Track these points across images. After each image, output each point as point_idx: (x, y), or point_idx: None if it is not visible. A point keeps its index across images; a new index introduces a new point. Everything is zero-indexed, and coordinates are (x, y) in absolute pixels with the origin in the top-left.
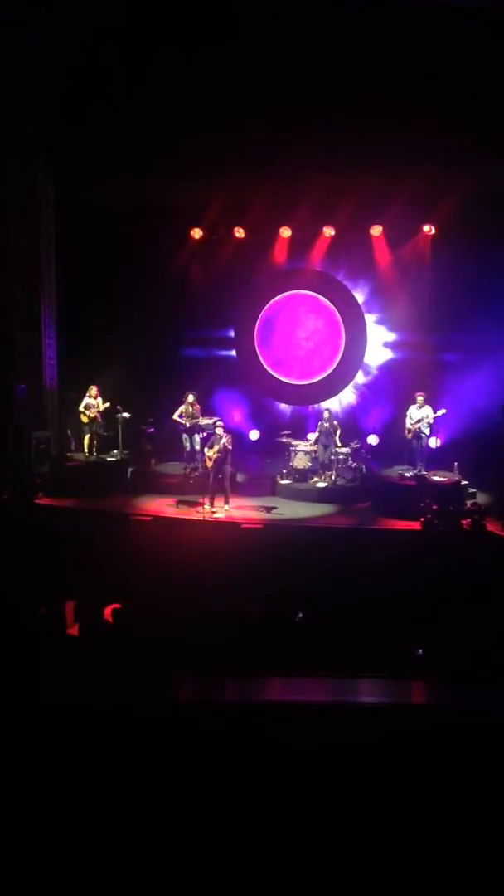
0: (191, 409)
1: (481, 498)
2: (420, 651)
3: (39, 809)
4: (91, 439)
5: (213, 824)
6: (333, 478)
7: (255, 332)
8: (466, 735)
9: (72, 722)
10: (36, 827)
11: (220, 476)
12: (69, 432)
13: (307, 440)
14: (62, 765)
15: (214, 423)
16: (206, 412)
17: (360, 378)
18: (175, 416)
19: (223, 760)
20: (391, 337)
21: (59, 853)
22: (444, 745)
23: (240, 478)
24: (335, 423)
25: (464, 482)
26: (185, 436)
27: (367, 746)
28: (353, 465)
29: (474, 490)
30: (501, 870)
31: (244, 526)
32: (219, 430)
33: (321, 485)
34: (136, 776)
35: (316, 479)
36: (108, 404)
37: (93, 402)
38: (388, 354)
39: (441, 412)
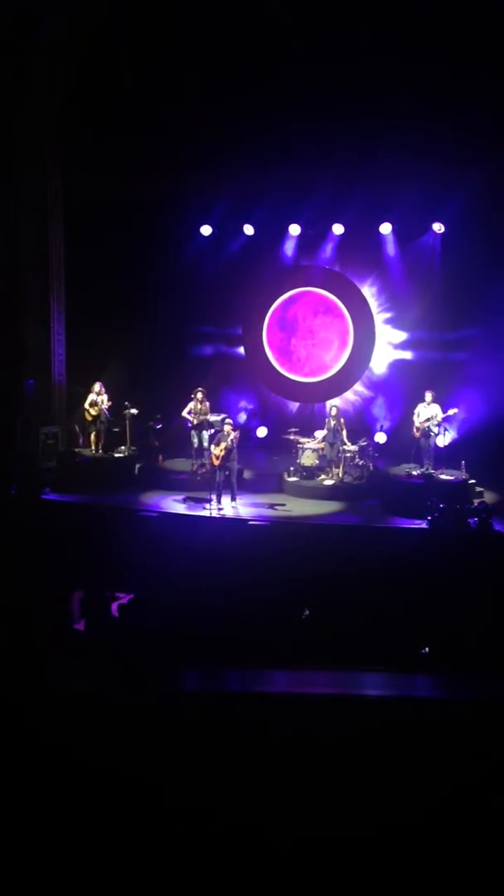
0: (199, 406)
1: (489, 497)
2: (426, 650)
3: (40, 801)
4: (97, 435)
5: (215, 815)
6: (341, 475)
7: (264, 329)
8: (470, 729)
9: (74, 712)
10: (36, 819)
11: (226, 472)
12: (77, 428)
13: (314, 437)
14: (64, 756)
15: (222, 419)
16: (214, 409)
17: (367, 375)
18: (184, 413)
19: (225, 751)
20: (400, 334)
21: (60, 844)
22: (447, 738)
23: (247, 475)
24: (342, 420)
25: (471, 481)
26: (193, 432)
27: (370, 739)
28: (360, 463)
29: (482, 489)
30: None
31: (251, 523)
32: (226, 427)
33: (328, 482)
34: (138, 766)
35: (323, 476)
36: (110, 402)
37: (97, 399)
38: (396, 352)
39: (453, 411)
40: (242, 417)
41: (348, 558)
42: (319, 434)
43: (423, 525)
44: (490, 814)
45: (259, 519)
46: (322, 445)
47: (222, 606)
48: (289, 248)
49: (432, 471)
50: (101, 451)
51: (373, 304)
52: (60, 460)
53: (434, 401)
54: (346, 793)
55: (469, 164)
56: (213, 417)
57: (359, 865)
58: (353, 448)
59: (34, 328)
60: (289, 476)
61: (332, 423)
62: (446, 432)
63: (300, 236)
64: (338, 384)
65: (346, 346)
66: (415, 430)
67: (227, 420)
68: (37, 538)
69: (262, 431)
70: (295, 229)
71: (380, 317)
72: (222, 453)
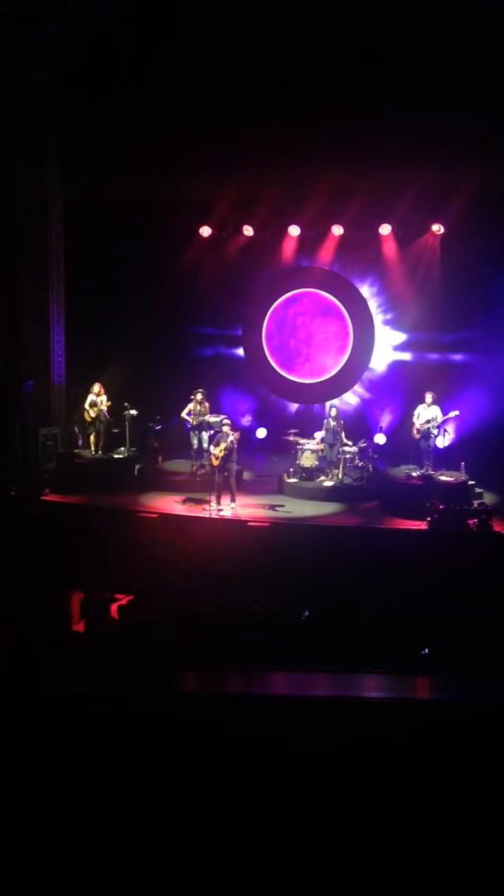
0: (199, 408)
1: (488, 498)
2: (425, 651)
3: (42, 799)
4: (96, 437)
5: (215, 816)
6: (340, 477)
7: (263, 331)
8: (470, 731)
9: (76, 713)
10: (38, 818)
11: (225, 474)
12: (76, 429)
13: (314, 438)
14: (65, 755)
15: (221, 420)
16: (214, 410)
17: (367, 377)
18: (183, 414)
19: (226, 752)
20: (399, 335)
21: (63, 842)
22: (447, 739)
23: (247, 476)
24: (342, 421)
25: (471, 482)
26: (192, 433)
27: (370, 740)
28: (359, 464)
29: (481, 490)
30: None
31: (250, 524)
32: (226, 429)
33: (328, 483)
34: (140, 767)
35: (323, 477)
36: (109, 403)
37: (96, 399)
38: (396, 353)
39: (454, 413)
40: (247, 420)
41: (348, 560)
42: (319, 435)
43: (423, 526)
44: (491, 814)
45: (258, 520)
46: (321, 447)
47: (222, 608)
48: (288, 249)
49: (432, 472)
50: (100, 453)
51: (372, 305)
52: (60, 461)
53: (434, 402)
54: (346, 794)
55: (468, 165)
56: (212, 418)
57: (360, 867)
58: (353, 449)
59: (34, 329)
60: (288, 477)
61: (332, 424)
62: (445, 434)
63: (300, 237)
64: (337, 385)
65: (346, 347)
66: (415, 431)
67: (227, 421)
68: (36, 539)
69: (261, 433)
70: (294, 230)
71: (379, 318)
72: (222, 454)
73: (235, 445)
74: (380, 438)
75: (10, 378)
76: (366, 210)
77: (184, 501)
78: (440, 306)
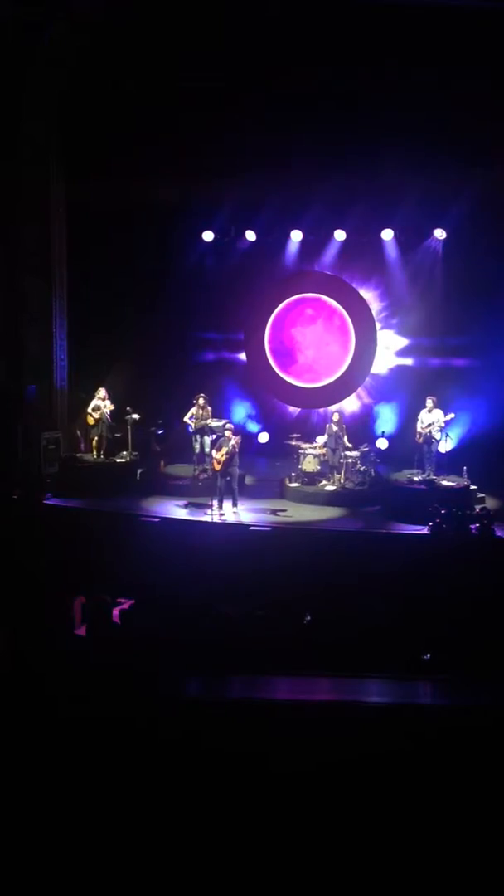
0: (201, 412)
1: (490, 503)
2: (427, 656)
3: (41, 802)
4: (99, 441)
5: (216, 821)
6: (342, 481)
7: (265, 335)
8: (472, 734)
9: (77, 717)
10: (37, 821)
11: (227, 478)
12: (78, 433)
13: (316, 443)
14: (66, 759)
15: (224, 425)
16: (216, 414)
17: (369, 381)
18: (185, 419)
19: (227, 756)
20: (402, 340)
21: (64, 848)
22: (449, 743)
23: (248, 480)
24: (344, 426)
25: (473, 487)
26: (194, 437)
27: (372, 744)
28: (361, 469)
29: (483, 495)
30: (502, 866)
31: (252, 528)
32: (227, 433)
33: (330, 488)
34: (141, 771)
35: (324, 482)
36: (112, 407)
37: (100, 404)
38: (398, 358)
39: (450, 416)
40: (264, 437)
41: (350, 564)
42: (321, 440)
43: (425, 531)
44: (494, 819)
45: (260, 524)
46: (324, 451)
47: (223, 612)
48: (291, 254)
49: (434, 476)
50: (102, 457)
51: (374, 309)
52: (62, 465)
53: (435, 406)
54: (349, 799)
55: (470, 170)
56: (214, 423)
57: (363, 873)
58: (355, 454)
59: (36, 333)
60: (290, 482)
61: (334, 428)
62: (447, 438)
63: (302, 242)
64: (340, 390)
65: (348, 351)
66: (417, 435)
67: (229, 425)
68: (38, 543)
69: (263, 437)
70: (297, 235)
71: (381, 322)
72: (224, 458)
73: (237, 450)
74: (382, 443)
75: (12, 382)
76: (368, 215)
77: (186, 506)
78: (442, 311)
